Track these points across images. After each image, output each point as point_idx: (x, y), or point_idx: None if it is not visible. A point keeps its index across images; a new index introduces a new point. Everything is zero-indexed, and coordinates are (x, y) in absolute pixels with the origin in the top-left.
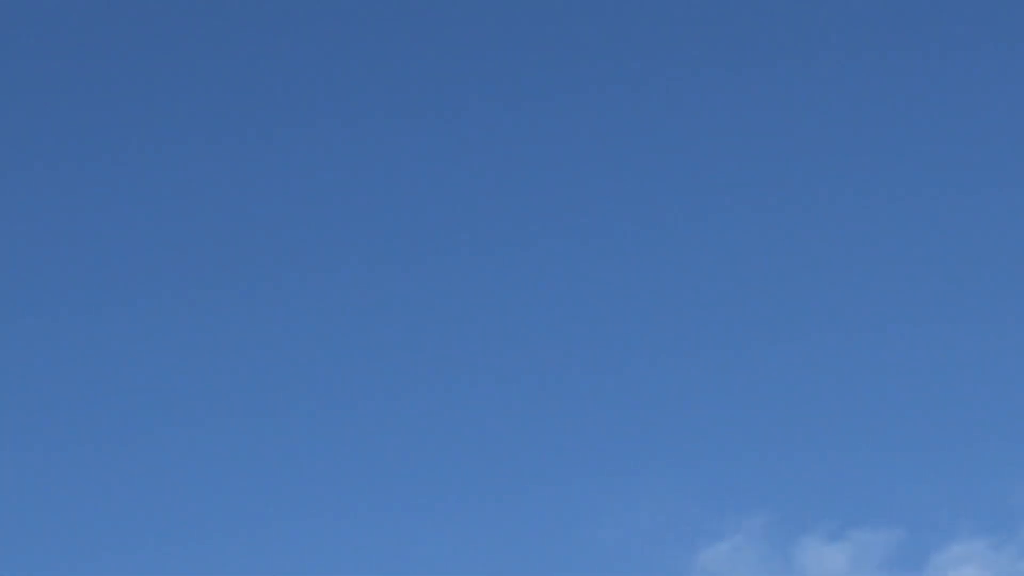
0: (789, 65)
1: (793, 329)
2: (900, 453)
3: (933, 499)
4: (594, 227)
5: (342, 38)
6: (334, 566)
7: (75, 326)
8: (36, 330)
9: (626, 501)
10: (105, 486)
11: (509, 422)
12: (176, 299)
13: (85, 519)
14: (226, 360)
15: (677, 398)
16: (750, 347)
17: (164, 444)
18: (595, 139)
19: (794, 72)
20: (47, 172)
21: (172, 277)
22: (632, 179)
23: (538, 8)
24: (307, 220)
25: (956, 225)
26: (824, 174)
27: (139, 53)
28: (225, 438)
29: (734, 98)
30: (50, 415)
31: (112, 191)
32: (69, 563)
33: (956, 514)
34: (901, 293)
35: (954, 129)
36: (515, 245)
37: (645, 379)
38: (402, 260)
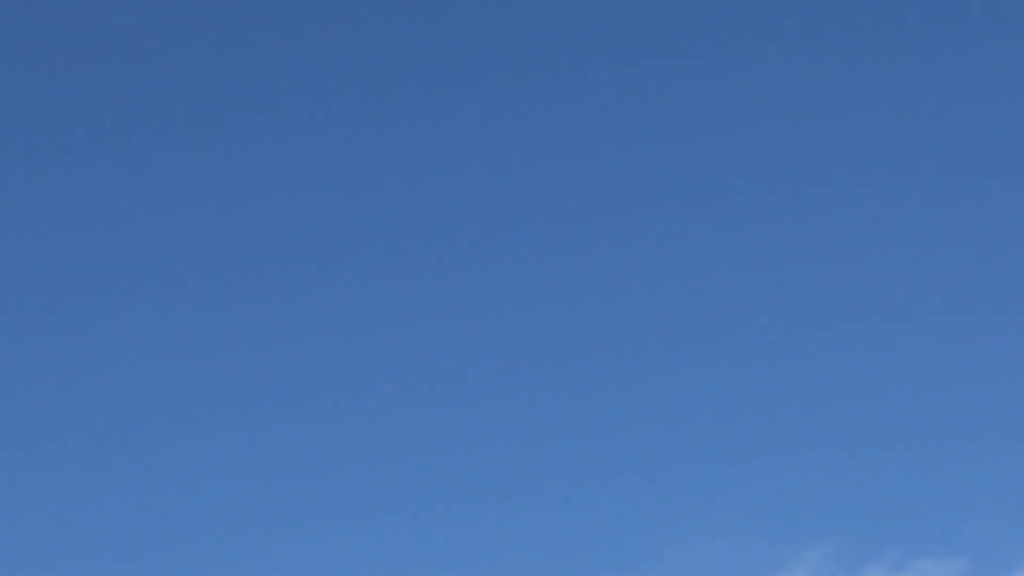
0: (789, 63)
1: (852, 360)
2: (964, 481)
3: (997, 528)
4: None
5: (341, 36)
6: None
7: (75, 326)
8: (36, 330)
9: (687, 533)
10: (105, 486)
11: (568, 452)
12: (175, 299)
13: (85, 519)
14: (226, 360)
15: (737, 428)
16: (807, 376)
17: (164, 444)
18: (595, 137)
19: (794, 70)
20: (46, 170)
21: (171, 277)
22: (638, 178)
23: (537, 7)
24: (307, 220)
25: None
26: (827, 173)
27: (137, 51)
28: (225, 438)
29: (734, 96)
30: (50, 415)
31: (111, 189)
32: (69, 563)
33: (1021, 544)
34: (971, 320)
35: (956, 127)
36: (549, 247)
37: (705, 410)
38: (405, 260)
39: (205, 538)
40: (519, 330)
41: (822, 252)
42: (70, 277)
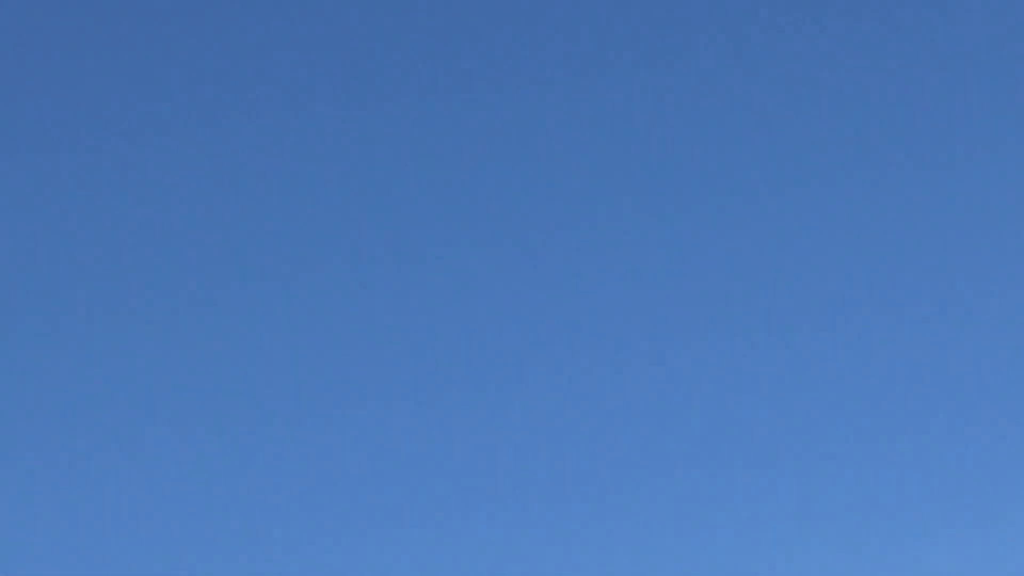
0: (788, 61)
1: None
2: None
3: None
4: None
5: (339, 35)
6: None
7: (75, 326)
8: (35, 329)
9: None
10: (105, 487)
11: (569, 455)
12: (175, 298)
13: (85, 519)
14: (226, 360)
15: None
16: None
17: (164, 445)
18: (594, 136)
19: (793, 68)
20: (45, 170)
21: (171, 276)
22: (638, 177)
23: (537, 6)
24: (307, 219)
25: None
26: (828, 171)
27: (135, 48)
28: (226, 439)
29: (734, 94)
30: (49, 415)
31: (110, 189)
32: (69, 563)
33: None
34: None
35: (956, 125)
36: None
37: (709, 412)
38: (405, 259)
39: (205, 540)
40: (520, 330)
41: (822, 251)
42: (68, 277)
